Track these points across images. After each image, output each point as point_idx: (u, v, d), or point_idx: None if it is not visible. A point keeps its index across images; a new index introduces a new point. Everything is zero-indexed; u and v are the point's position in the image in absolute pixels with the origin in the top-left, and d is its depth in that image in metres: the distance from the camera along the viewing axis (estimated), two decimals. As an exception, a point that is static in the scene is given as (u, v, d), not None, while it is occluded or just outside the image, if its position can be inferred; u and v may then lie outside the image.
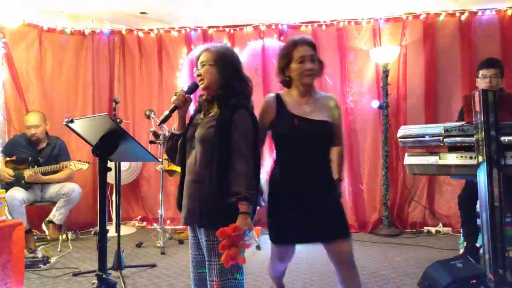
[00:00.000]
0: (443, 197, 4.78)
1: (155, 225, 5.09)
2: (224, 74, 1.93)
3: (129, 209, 5.39)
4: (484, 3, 4.58)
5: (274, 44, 5.13)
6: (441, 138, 2.63)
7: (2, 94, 4.73)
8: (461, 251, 3.62)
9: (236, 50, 5.02)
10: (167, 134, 3.98)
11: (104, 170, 1.90)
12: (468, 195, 3.38)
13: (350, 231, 2.19)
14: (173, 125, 2.06)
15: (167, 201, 4.97)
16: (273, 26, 5.13)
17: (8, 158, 4.34)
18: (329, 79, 4.98)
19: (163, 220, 4.50)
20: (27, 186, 4.22)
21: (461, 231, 3.70)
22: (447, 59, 4.77)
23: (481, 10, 4.66)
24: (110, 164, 1.94)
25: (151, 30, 5.31)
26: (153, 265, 3.70)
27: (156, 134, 4.21)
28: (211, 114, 1.94)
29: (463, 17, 4.69)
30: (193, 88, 2.05)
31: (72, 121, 1.89)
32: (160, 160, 4.39)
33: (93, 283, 1.91)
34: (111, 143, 1.90)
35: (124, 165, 4.93)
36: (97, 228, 1.92)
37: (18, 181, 4.21)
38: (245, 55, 5.15)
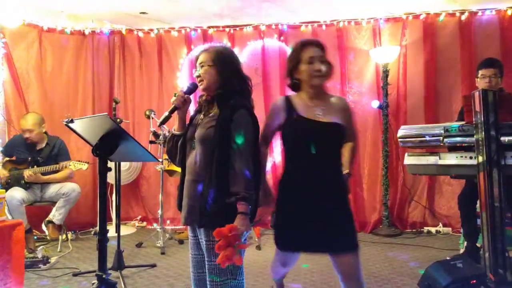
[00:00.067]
0: (443, 197, 4.78)
1: (155, 225, 5.09)
2: (223, 74, 1.92)
3: (129, 209, 5.39)
4: (484, 3, 4.58)
5: (274, 44, 5.13)
6: (441, 138, 2.63)
7: (2, 94, 4.73)
8: (461, 251, 3.62)
9: (236, 50, 5.03)
10: (167, 134, 3.99)
11: (104, 170, 1.89)
12: (468, 195, 3.38)
13: (358, 243, 2.09)
14: (173, 126, 2.06)
15: (167, 201, 4.98)
16: (273, 26, 5.13)
17: (7, 158, 4.34)
18: (329, 79, 4.97)
19: (163, 220, 4.51)
20: (27, 186, 4.21)
21: (462, 231, 3.71)
22: (447, 59, 4.77)
23: (481, 10, 4.66)
24: (110, 164, 1.94)
25: (151, 30, 5.31)
26: (153, 265, 3.70)
27: (156, 134, 4.21)
28: (211, 114, 1.93)
29: (463, 17, 4.69)
30: (192, 88, 2.04)
31: (72, 121, 1.89)
32: (160, 160, 4.39)
33: (93, 283, 1.91)
34: (111, 143, 1.90)
35: (124, 165, 4.93)
36: (97, 228, 1.93)
37: (17, 181, 4.21)
38: (245, 55, 5.15)
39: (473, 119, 2.44)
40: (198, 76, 1.96)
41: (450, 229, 4.67)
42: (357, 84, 4.99)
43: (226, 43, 5.07)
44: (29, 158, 4.29)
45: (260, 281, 3.28)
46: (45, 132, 4.43)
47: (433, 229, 4.70)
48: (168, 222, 5.12)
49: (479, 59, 3.73)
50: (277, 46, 5.13)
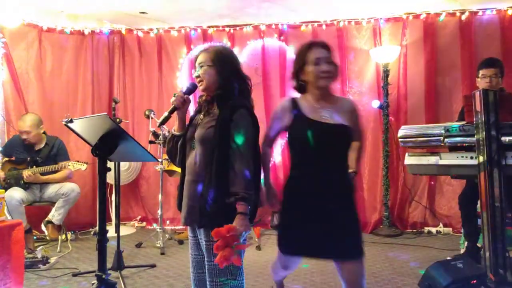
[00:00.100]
0: (443, 197, 4.78)
1: (154, 225, 5.08)
2: (222, 74, 1.92)
3: (128, 209, 5.39)
4: (484, 3, 4.57)
5: (274, 43, 5.13)
6: (442, 138, 2.62)
7: (1, 94, 4.72)
8: (462, 251, 3.62)
9: (236, 50, 5.03)
10: (166, 134, 3.98)
11: (103, 170, 1.89)
12: (469, 195, 3.37)
13: (363, 251, 2.05)
14: (173, 126, 2.05)
15: (167, 201, 4.97)
16: (273, 26, 5.13)
17: (6, 159, 4.34)
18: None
19: (163, 221, 4.50)
20: (26, 186, 4.21)
21: (462, 231, 3.70)
22: (447, 59, 4.76)
23: (481, 10, 4.65)
24: (110, 164, 1.93)
25: (151, 30, 5.30)
26: (153, 266, 3.69)
27: (155, 134, 4.21)
28: (210, 115, 1.93)
29: (463, 17, 4.69)
30: (191, 89, 2.04)
31: (71, 121, 1.89)
32: (160, 160, 4.38)
33: (93, 284, 1.90)
34: (110, 143, 1.89)
35: (124, 165, 4.92)
36: (97, 228, 1.92)
37: (17, 181, 4.21)
38: (245, 55, 5.15)
39: (474, 119, 2.44)
40: (198, 77, 1.95)
41: (450, 229, 4.66)
42: (357, 84, 4.98)
43: (226, 42, 5.07)
44: (28, 158, 4.28)
45: (260, 281, 3.27)
46: (44, 132, 4.42)
47: (433, 229, 4.70)
48: (167, 222, 5.12)
49: (480, 59, 3.73)
50: (277, 46, 5.13)
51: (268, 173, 2.20)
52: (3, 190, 3.02)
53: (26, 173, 4.16)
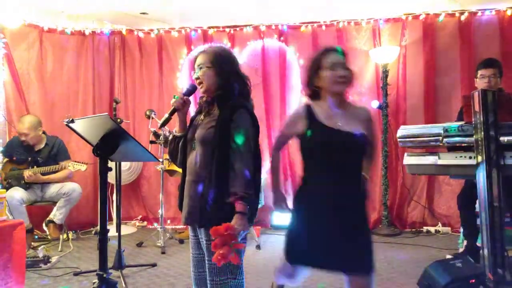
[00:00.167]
0: (442, 197, 4.79)
1: (155, 224, 5.10)
2: (221, 75, 1.93)
3: (129, 208, 5.40)
4: (483, 3, 4.59)
5: (274, 44, 5.14)
6: (441, 138, 2.63)
7: (2, 94, 4.74)
8: (461, 250, 3.63)
9: (236, 50, 5.05)
10: (167, 134, 3.99)
11: (104, 170, 1.90)
12: (468, 195, 3.39)
13: (374, 265, 1.95)
14: (174, 127, 2.07)
15: (168, 200, 4.98)
16: (273, 26, 5.14)
17: (7, 159, 4.35)
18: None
19: (164, 220, 4.51)
20: (27, 186, 4.23)
21: (461, 230, 3.71)
22: (446, 60, 4.78)
23: (480, 10, 4.67)
24: (111, 164, 1.95)
25: (152, 30, 5.32)
26: (154, 265, 3.71)
27: (156, 134, 4.22)
28: (211, 115, 1.94)
29: (462, 18, 4.70)
30: (191, 90, 2.04)
31: (72, 121, 1.90)
32: (161, 160, 4.39)
33: (94, 283, 1.91)
34: (111, 143, 1.91)
35: (125, 165, 4.94)
36: (98, 227, 1.93)
37: (18, 181, 4.22)
38: (245, 55, 5.16)
39: (473, 119, 2.45)
40: (197, 79, 1.96)
41: (449, 228, 4.68)
42: (356, 84, 4.99)
43: (226, 43, 5.09)
44: (29, 159, 4.30)
45: (260, 280, 3.28)
46: (44, 132, 4.44)
47: (432, 229, 4.71)
48: (168, 221, 5.13)
49: (479, 60, 3.74)
50: (277, 46, 5.14)
51: (278, 176, 2.19)
52: (4, 190, 3.04)
53: (27, 173, 4.18)
